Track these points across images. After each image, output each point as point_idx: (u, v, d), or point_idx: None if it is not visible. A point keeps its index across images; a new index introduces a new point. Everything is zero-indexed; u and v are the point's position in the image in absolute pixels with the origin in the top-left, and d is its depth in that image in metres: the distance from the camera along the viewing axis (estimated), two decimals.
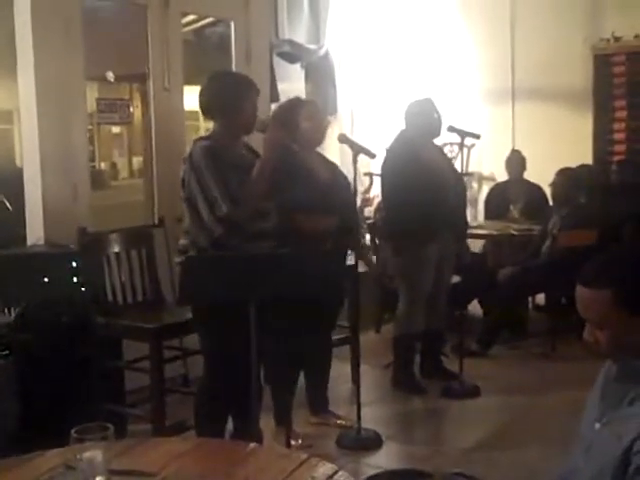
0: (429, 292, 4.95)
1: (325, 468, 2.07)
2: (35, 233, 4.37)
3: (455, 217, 4.97)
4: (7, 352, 3.64)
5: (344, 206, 4.14)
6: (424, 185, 4.73)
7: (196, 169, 3.38)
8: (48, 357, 3.58)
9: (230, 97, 3.51)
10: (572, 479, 1.99)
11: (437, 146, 5.20)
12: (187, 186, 3.43)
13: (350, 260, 4.41)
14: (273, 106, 5.63)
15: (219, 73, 3.72)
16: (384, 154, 4.97)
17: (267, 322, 4.10)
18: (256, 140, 3.74)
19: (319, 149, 4.35)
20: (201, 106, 3.63)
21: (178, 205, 3.64)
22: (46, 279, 3.78)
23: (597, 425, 1.95)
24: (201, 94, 3.61)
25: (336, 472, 2.03)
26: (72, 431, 1.79)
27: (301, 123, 4.09)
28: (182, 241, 3.58)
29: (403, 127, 5.00)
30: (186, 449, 2.28)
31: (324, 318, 4.24)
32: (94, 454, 1.78)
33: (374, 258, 6.04)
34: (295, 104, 4.25)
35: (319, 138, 4.24)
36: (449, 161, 5.33)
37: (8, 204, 6.02)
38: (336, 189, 4.17)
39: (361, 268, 4.43)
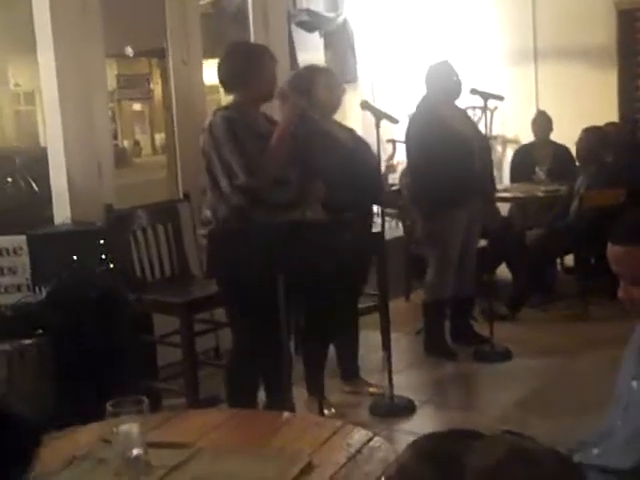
0: (458, 257, 4.93)
1: (360, 434, 2.08)
2: (62, 212, 4.39)
3: (482, 180, 4.92)
4: (40, 331, 3.68)
5: (369, 170, 4.12)
6: (449, 149, 4.69)
7: (215, 139, 3.41)
8: (80, 335, 3.61)
9: (246, 67, 3.52)
10: (609, 438, 1.97)
11: (460, 109, 5.14)
12: (206, 156, 3.46)
13: (377, 227, 4.41)
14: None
15: (234, 44, 3.76)
16: (407, 120, 4.93)
17: (296, 292, 4.14)
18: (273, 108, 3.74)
19: (336, 116, 4.33)
20: (220, 80, 3.65)
21: (202, 179, 3.65)
22: (75, 257, 3.80)
23: (634, 383, 1.94)
24: (219, 68, 3.63)
25: (371, 438, 2.04)
26: (107, 404, 1.80)
27: (318, 91, 4.07)
28: (206, 212, 3.59)
29: (424, 92, 4.96)
30: (221, 420, 2.30)
31: (351, 285, 4.24)
32: (130, 427, 1.80)
33: (400, 224, 6.02)
34: (311, 72, 4.23)
35: (335, 105, 4.22)
36: (473, 123, 5.27)
37: (34, 185, 6.06)
38: (359, 154, 4.16)
39: (389, 235, 4.42)
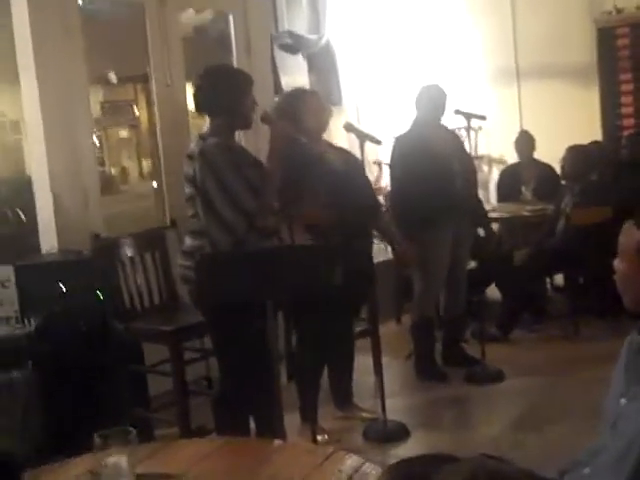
0: (445, 277, 4.93)
1: (352, 460, 2.07)
2: (48, 242, 4.37)
3: (465, 200, 4.93)
4: (29, 363, 3.64)
5: (362, 190, 4.10)
6: (429, 169, 4.73)
7: (212, 167, 3.28)
8: (69, 366, 3.58)
9: (230, 93, 3.41)
10: (600, 456, 1.97)
11: (448, 130, 5.17)
12: (200, 184, 3.31)
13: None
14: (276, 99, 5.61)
15: (213, 68, 3.59)
16: (393, 142, 4.97)
17: (292, 318, 4.11)
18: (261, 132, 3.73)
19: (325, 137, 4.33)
20: (197, 103, 3.52)
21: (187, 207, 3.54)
22: (62, 287, 3.76)
23: (622, 400, 1.94)
24: (197, 91, 3.51)
25: (363, 464, 2.02)
26: (95, 436, 1.78)
27: (304, 114, 4.06)
28: (190, 242, 3.47)
29: (415, 114, 5.00)
30: (211, 449, 2.28)
31: (348, 310, 4.22)
32: (119, 459, 1.78)
33: (389, 247, 6.02)
34: (296, 95, 4.23)
35: (322, 126, 4.19)
36: (460, 144, 5.27)
37: (22, 215, 6.02)
38: (351, 176, 4.11)
39: (378, 257, 4.41)
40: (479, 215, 5.14)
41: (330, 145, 4.34)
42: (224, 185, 3.27)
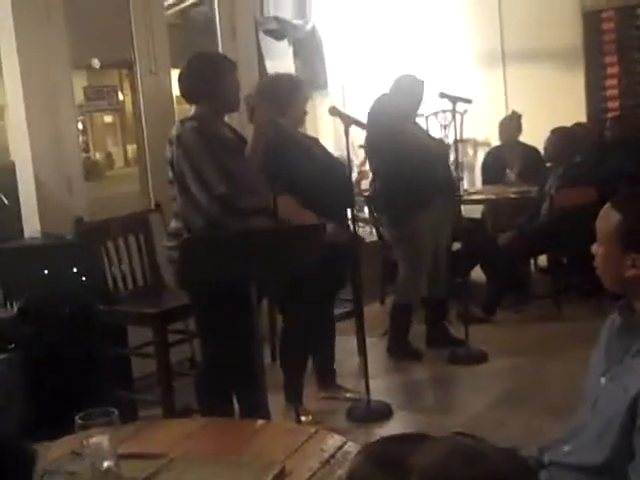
0: (428, 261, 4.95)
1: (334, 440, 2.08)
2: (31, 226, 4.37)
3: (445, 181, 4.96)
4: (12, 346, 3.64)
5: (342, 179, 4.12)
6: (412, 153, 4.75)
7: (187, 151, 3.35)
8: (53, 349, 3.58)
9: (210, 78, 3.47)
10: (580, 435, 1.99)
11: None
12: (177, 167, 3.40)
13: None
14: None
15: (195, 56, 3.67)
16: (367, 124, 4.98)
17: (277, 301, 4.12)
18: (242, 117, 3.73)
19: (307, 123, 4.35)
20: (182, 92, 3.62)
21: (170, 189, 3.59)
22: (46, 271, 3.77)
23: (602, 380, 1.95)
24: (180, 80, 3.59)
25: (345, 443, 2.03)
26: (76, 417, 1.78)
27: (293, 100, 4.07)
28: (174, 224, 3.56)
29: (388, 94, 4.99)
30: (194, 429, 2.28)
31: (329, 291, 4.23)
32: (100, 439, 1.78)
33: (374, 230, 6.04)
34: (287, 81, 4.23)
35: (303, 116, 4.23)
36: (425, 130, 5.35)
37: (4, 198, 6.01)
38: (330, 162, 4.16)
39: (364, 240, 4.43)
40: (453, 195, 5.16)
41: (304, 134, 4.35)
42: (198, 170, 3.34)
